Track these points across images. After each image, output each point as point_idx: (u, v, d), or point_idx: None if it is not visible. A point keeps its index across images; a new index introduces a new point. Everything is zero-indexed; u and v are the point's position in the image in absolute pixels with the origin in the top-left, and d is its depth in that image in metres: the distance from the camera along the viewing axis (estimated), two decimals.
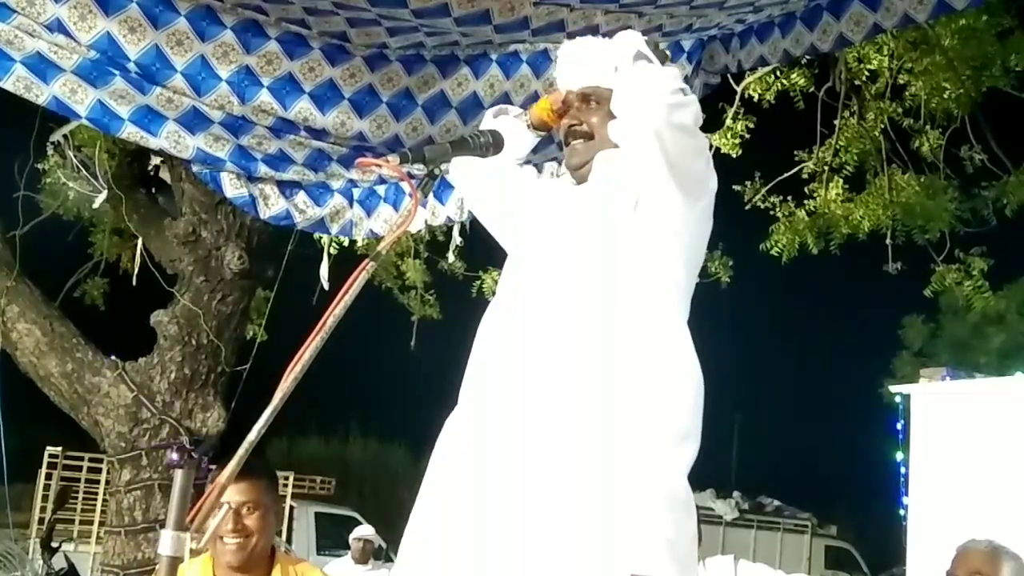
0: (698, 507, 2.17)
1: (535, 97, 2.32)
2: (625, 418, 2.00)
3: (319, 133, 3.47)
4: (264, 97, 3.31)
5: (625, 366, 2.04)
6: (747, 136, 7.90)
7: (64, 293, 6.12)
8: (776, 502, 17.19)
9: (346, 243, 7.18)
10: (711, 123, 7.87)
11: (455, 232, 4.58)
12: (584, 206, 2.22)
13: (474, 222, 4.43)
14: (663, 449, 2.00)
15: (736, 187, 8.36)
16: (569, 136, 2.31)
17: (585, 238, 2.17)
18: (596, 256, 2.14)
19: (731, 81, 7.40)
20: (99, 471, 11.25)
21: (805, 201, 8.12)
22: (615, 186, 2.18)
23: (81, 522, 11.53)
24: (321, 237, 5.31)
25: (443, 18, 3.14)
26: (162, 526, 1.77)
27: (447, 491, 2.11)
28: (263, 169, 3.61)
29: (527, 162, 2.60)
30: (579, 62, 2.33)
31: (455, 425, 2.18)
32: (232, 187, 3.64)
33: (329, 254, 4.76)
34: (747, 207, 8.26)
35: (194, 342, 5.17)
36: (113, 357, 5.16)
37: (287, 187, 3.75)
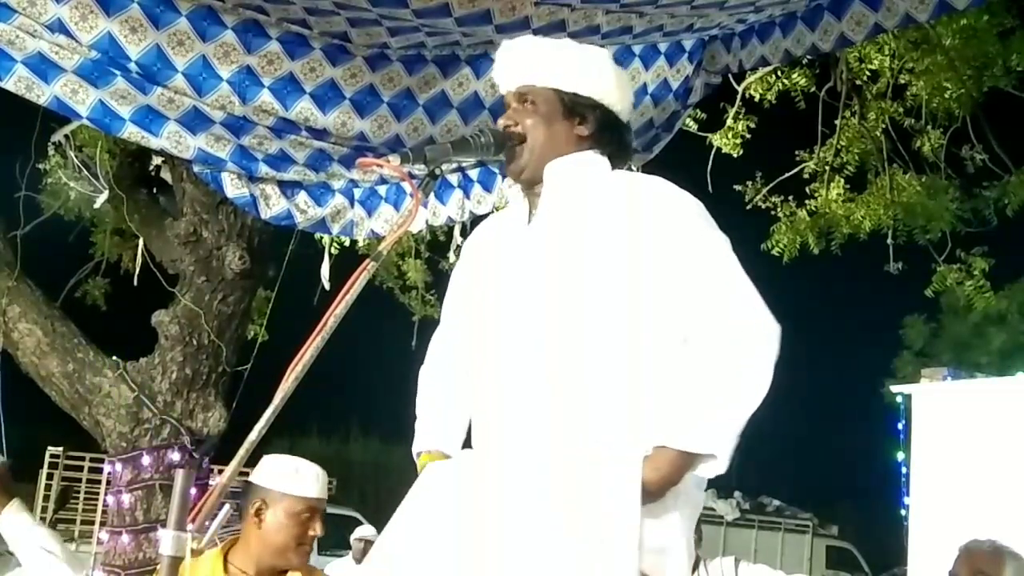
0: None
1: (505, 108, 2.29)
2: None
3: (320, 133, 3.47)
4: (265, 97, 3.31)
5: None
6: (748, 136, 7.90)
7: (65, 293, 6.10)
8: (777, 502, 17.20)
9: (347, 243, 7.18)
10: (712, 123, 7.89)
11: (456, 232, 4.58)
12: (540, 255, 2.16)
13: (475, 222, 4.43)
14: None
15: (737, 187, 8.37)
16: (505, 138, 2.21)
17: (547, 292, 2.13)
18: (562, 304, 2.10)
19: (732, 81, 7.41)
20: (100, 471, 11.26)
21: (806, 201, 8.12)
22: (583, 231, 2.12)
23: (82, 522, 11.55)
24: (322, 237, 5.31)
25: (444, 18, 3.14)
26: (163, 526, 1.77)
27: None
28: (264, 169, 3.61)
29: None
30: (516, 61, 2.26)
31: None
32: (233, 187, 3.64)
33: (330, 254, 4.76)
34: (748, 207, 8.26)
35: (195, 342, 5.16)
36: (114, 357, 5.16)
37: (288, 187, 3.74)
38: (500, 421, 2.15)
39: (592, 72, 2.23)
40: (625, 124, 2.30)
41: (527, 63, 2.24)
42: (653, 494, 1.98)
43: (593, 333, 2.07)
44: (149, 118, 3.31)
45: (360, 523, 10.05)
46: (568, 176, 2.19)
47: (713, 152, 7.80)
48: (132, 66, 3.14)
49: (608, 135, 2.24)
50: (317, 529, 2.89)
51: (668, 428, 1.99)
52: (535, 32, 3.27)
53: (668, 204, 2.12)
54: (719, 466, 2.01)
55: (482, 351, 2.24)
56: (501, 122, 2.23)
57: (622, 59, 3.64)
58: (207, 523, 1.77)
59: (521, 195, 2.26)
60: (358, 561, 8.35)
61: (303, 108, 3.36)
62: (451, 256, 5.30)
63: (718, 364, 2.01)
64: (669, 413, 2.01)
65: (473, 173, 3.93)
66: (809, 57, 6.53)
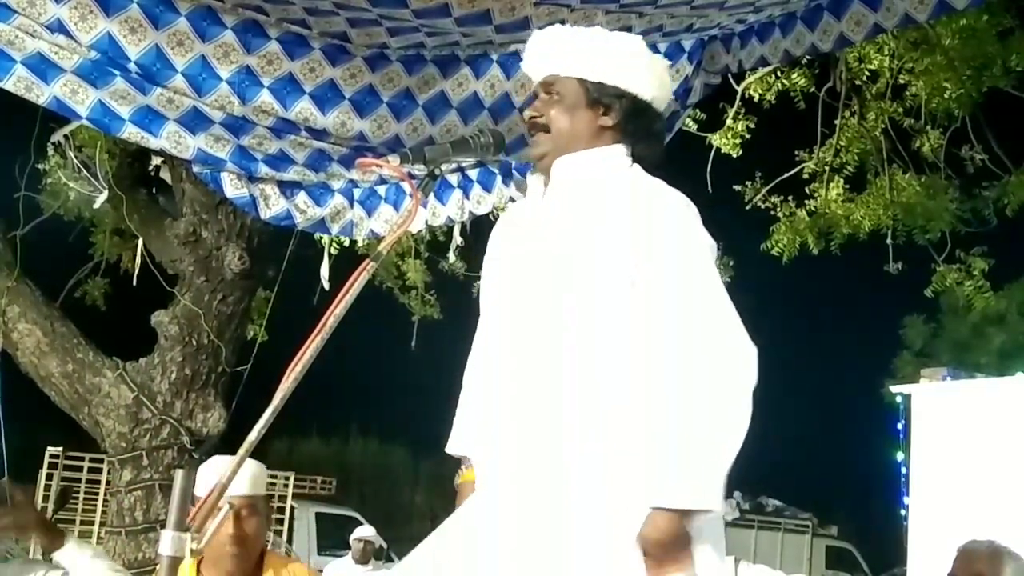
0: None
1: (535, 97, 2.30)
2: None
3: (320, 133, 3.47)
4: (265, 97, 3.31)
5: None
6: (748, 136, 7.92)
7: (65, 293, 6.11)
8: (776, 502, 17.17)
9: (347, 243, 7.19)
10: (712, 123, 7.89)
11: (456, 232, 4.59)
12: (536, 254, 2.16)
13: (474, 222, 4.44)
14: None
15: (737, 187, 8.38)
16: (530, 128, 2.24)
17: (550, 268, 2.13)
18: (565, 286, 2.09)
19: (732, 81, 7.42)
20: (100, 471, 11.25)
21: (806, 201, 8.14)
22: (585, 227, 2.11)
23: (82, 522, 11.52)
24: (322, 237, 5.31)
25: (444, 18, 3.14)
26: (162, 526, 1.76)
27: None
28: (264, 169, 3.61)
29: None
30: (543, 51, 2.26)
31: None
32: (232, 187, 3.63)
33: (330, 254, 4.76)
34: (748, 207, 8.27)
35: (195, 342, 5.17)
36: (114, 357, 5.17)
37: (288, 187, 3.75)
38: (501, 422, 2.15)
39: (619, 61, 2.21)
40: (656, 112, 2.26)
41: (552, 53, 2.24)
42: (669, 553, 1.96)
43: (583, 328, 2.07)
44: (149, 118, 3.31)
45: (360, 523, 10.03)
46: (575, 172, 2.19)
47: (713, 152, 7.82)
48: (132, 66, 3.14)
49: (634, 124, 2.21)
50: (227, 527, 2.65)
51: (658, 486, 1.95)
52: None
53: (658, 207, 2.10)
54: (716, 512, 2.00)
55: (486, 342, 2.27)
56: (527, 113, 2.25)
57: None
58: (207, 523, 1.77)
59: (541, 184, 2.26)
60: (357, 561, 8.35)
61: (303, 108, 3.36)
62: (451, 256, 5.31)
63: (699, 405, 1.96)
64: (655, 468, 1.95)
65: (473, 173, 3.93)
66: (809, 57, 6.54)
